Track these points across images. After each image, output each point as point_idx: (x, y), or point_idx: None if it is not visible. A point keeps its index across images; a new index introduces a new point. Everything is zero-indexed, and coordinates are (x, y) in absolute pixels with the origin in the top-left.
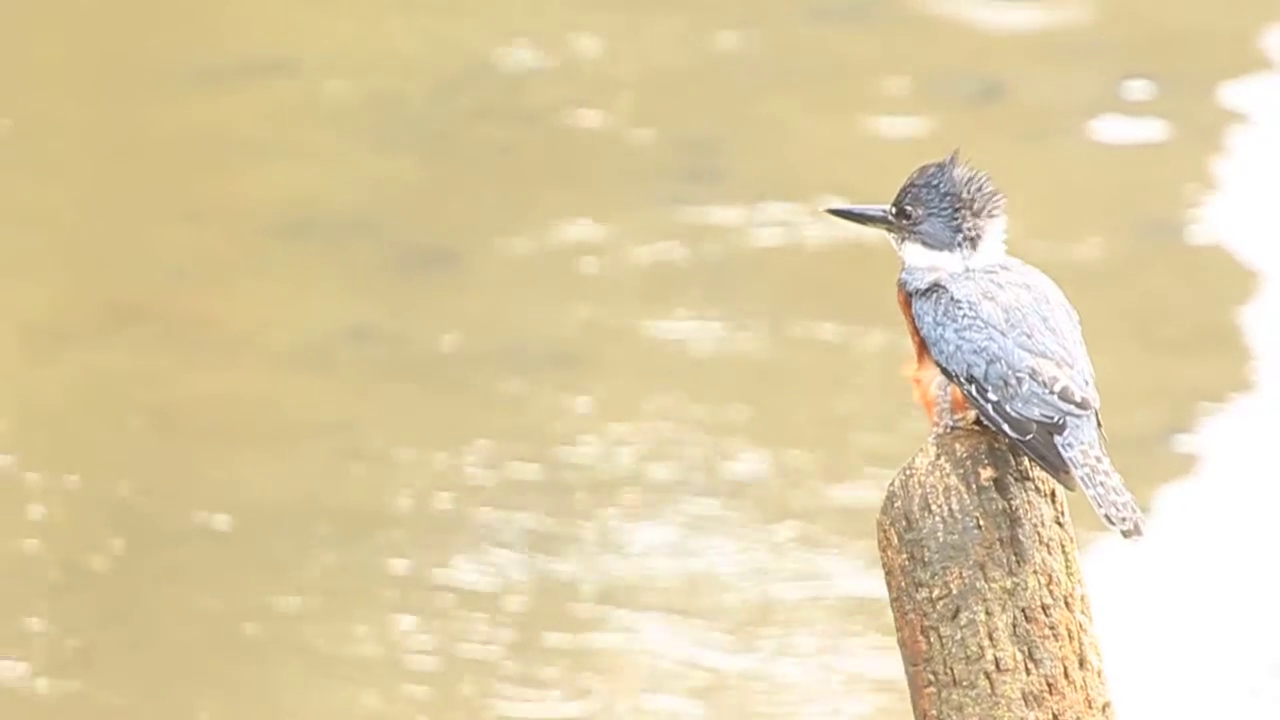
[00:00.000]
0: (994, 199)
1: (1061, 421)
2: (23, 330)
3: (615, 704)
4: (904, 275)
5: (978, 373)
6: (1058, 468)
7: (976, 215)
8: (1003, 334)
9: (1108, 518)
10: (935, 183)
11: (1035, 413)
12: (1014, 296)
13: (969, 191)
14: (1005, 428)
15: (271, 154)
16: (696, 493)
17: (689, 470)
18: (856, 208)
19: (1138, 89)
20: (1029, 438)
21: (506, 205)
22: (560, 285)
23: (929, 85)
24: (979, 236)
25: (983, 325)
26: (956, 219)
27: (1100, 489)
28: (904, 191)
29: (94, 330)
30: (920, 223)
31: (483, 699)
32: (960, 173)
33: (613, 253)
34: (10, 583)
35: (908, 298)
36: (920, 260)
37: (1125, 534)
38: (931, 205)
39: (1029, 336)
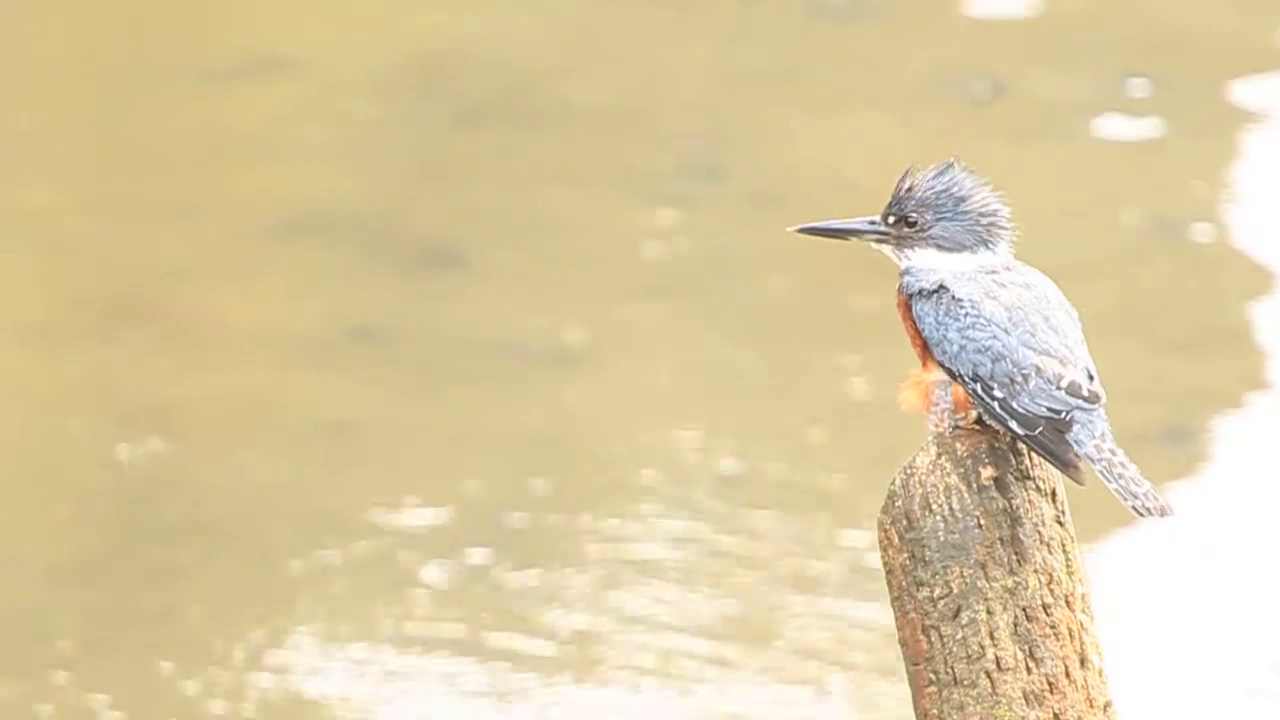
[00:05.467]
0: (1000, 203)
1: (1069, 416)
2: (21, 329)
3: (618, 695)
4: (906, 279)
5: (983, 371)
6: (1065, 462)
7: (990, 217)
8: (1006, 332)
9: (1135, 509)
10: (944, 187)
11: (1042, 408)
12: (1015, 295)
13: (979, 193)
14: (1012, 424)
15: (271, 153)
16: (699, 490)
17: (691, 469)
18: (833, 224)
19: (1139, 87)
20: (1036, 432)
21: (507, 204)
22: (561, 284)
23: (930, 84)
24: (995, 238)
25: (986, 323)
26: (973, 220)
27: (1122, 481)
28: (903, 199)
29: (93, 329)
30: (930, 228)
31: (486, 697)
32: (963, 174)
33: (613, 252)
34: (9, 581)
35: (908, 300)
36: (931, 264)
37: (1161, 514)
38: (944, 210)
39: (1032, 335)
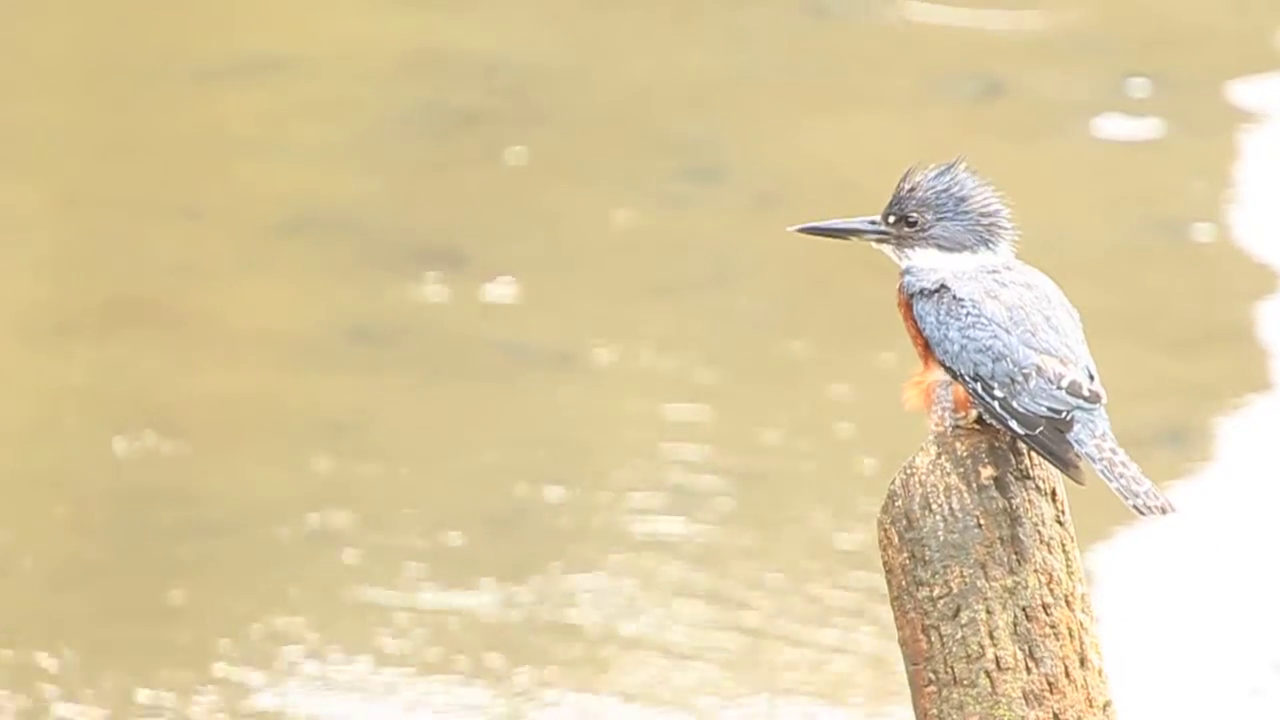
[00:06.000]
0: (1001, 204)
1: (1069, 416)
2: (22, 328)
3: (621, 691)
4: (907, 278)
5: (984, 371)
6: (1065, 462)
7: (991, 217)
8: (1007, 331)
9: (1136, 508)
10: (945, 187)
11: (1043, 408)
12: (1016, 295)
13: (980, 193)
14: (1012, 424)
15: (271, 152)
16: (700, 489)
17: (691, 468)
18: (833, 224)
19: (1139, 87)
20: (1037, 432)
21: (507, 204)
22: (560, 283)
23: (930, 84)
24: (996, 238)
25: (987, 323)
26: (974, 220)
27: (1122, 480)
28: (903, 199)
29: (94, 328)
30: (930, 227)
31: (485, 697)
32: (964, 174)
33: (613, 251)
34: (9, 580)
35: (909, 300)
36: (931, 263)
37: (1162, 512)
38: (944, 209)
39: (1032, 334)
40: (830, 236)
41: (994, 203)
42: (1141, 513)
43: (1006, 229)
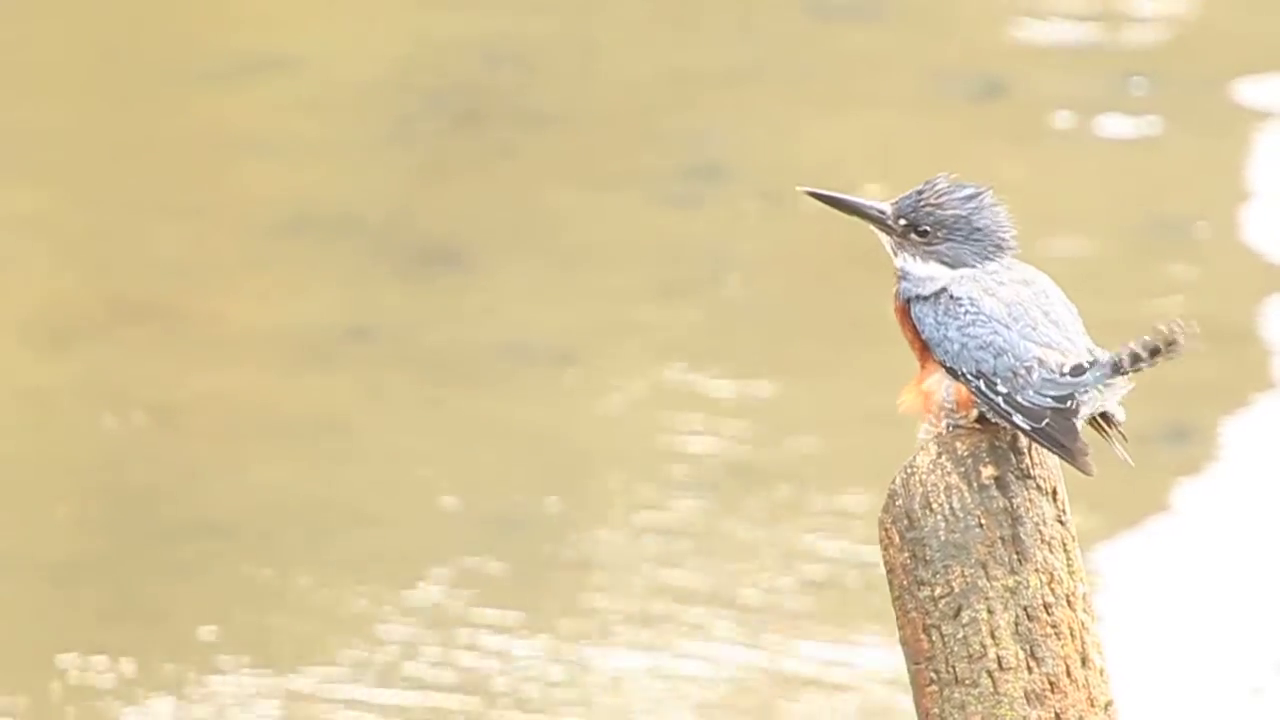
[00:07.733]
0: (1012, 228)
1: (1076, 405)
2: (22, 327)
3: (625, 693)
4: (904, 284)
5: (985, 367)
6: (1073, 452)
7: (1000, 242)
8: (1006, 327)
9: (1140, 351)
10: (966, 214)
11: (1048, 398)
12: (1014, 292)
13: (996, 223)
14: (1017, 419)
15: (272, 152)
16: (702, 490)
17: (694, 468)
18: (846, 197)
19: (1139, 86)
20: (1044, 424)
21: (507, 203)
22: (561, 283)
23: (931, 83)
24: (998, 257)
25: (986, 320)
26: (983, 246)
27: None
28: (920, 209)
29: (94, 328)
30: (938, 244)
31: (485, 698)
32: (988, 201)
33: (613, 251)
34: (10, 580)
35: (905, 304)
36: (931, 273)
37: (1180, 338)
38: (957, 231)
39: (1033, 329)
40: (836, 207)
41: (1006, 230)
42: (1146, 355)
43: (1011, 248)
